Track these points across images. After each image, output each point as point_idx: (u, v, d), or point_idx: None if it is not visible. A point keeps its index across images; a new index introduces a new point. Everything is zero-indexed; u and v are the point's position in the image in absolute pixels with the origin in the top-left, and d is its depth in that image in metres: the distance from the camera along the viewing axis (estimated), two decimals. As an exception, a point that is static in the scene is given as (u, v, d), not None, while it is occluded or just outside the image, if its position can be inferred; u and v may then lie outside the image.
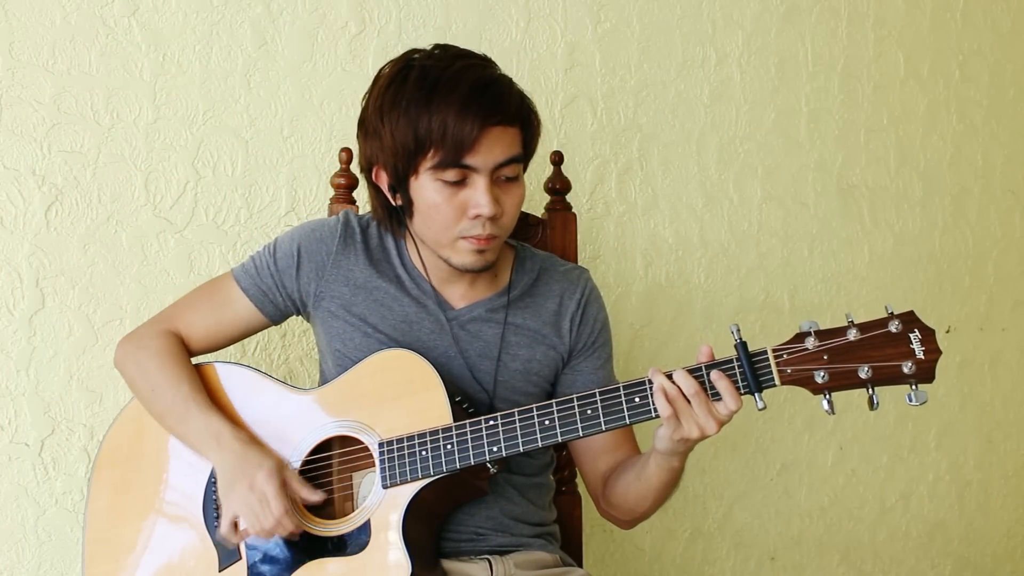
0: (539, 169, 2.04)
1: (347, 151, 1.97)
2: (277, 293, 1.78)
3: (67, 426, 2.02)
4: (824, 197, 2.74)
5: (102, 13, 2.02)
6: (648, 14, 2.51)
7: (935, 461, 2.95)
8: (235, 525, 1.64)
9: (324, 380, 1.82)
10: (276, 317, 1.81)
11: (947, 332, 2.92)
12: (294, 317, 1.87)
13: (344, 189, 1.99)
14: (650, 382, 1.52)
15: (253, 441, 1.68)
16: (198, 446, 1.69)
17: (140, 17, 2.05)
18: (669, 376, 1.51)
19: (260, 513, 1.60)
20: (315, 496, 1.64)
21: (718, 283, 2.61)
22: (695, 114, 2.57)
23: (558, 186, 2.07)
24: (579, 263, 2.04)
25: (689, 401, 1.49)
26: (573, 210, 2.08)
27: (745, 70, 2.62)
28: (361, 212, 1.85)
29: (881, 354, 1.45)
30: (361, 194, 1.95)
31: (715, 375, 1.49)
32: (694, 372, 1.51)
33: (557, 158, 2.08)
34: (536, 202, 2.09)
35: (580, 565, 1.94)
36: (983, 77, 2.97)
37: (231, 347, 2.08)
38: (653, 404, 1.52)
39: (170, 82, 2.07)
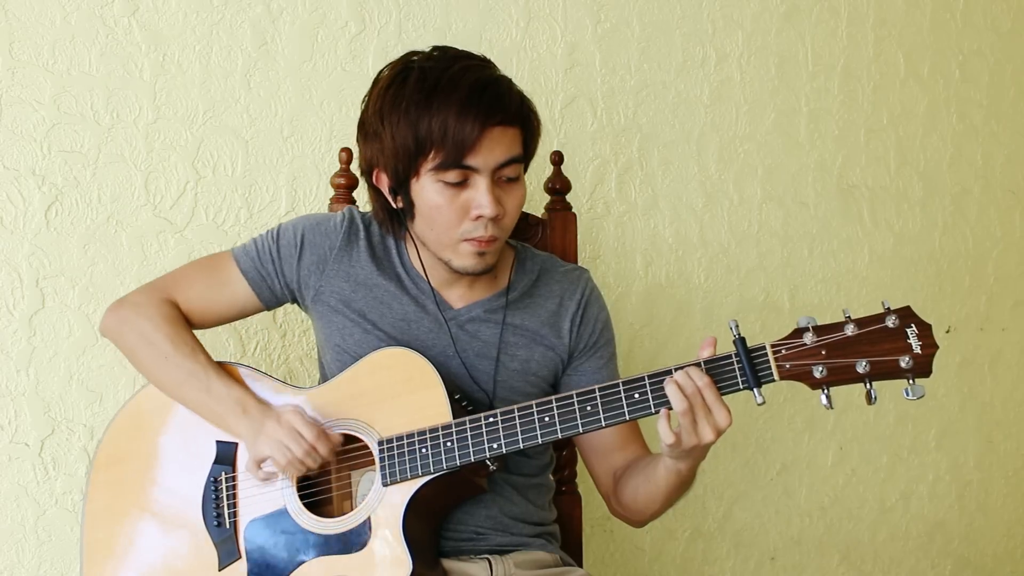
0: (539, 169, 2.04)
1: (347, 151, 1.97)
2: (276, 279, 1.77)
3: (67, 426, 2.02)
4: (824, 197, 2.74)
5: (102, 13, 2.02)
6: (648, 14, 2.51)
7: (935, 461, 2.95)
8: (259, 467, 1.65)
9: (324, 375, 1.82)
10: (271, 303, 1.81)
11: (947, 332, 2.92)
12: (294, 317, 1.87)
13: (344, 189, 1.99)
14: (654, 390, 1.53)
15: (272, 406, 1.69)
16: (221, 412, 1.69)
17: (140, 17, 2.05)
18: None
19: (291, 442, 1.60)
20: (333, 436, 1.64)
21: (718, 283, 2.61)
22: (695, 114, 2.57)
23: (558, 186, 2.07)
24: (579, 263, 2.04)
25: (704, 397, 1.50)
26: (573, 210, 2.08)
27: (745, 70, 2.62)
28: (362, 211, 1.85)
29: (878, 349, 1.46)
30: (361, 194, 1.95)
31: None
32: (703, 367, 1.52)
33: (557, 158, 2.08)
34: (536, 202, 2.09)
35: (580, 565, 1.94)
36: (983, 77, 2.97)
37: (231, 346, 2.09)
38: (652, 402, 1.52)
39: (170, 82, 2.07)
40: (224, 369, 1.74)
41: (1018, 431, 3.10)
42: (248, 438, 1.67)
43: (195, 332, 1.79)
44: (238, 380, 1.73)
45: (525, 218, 2.00)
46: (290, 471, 1.64)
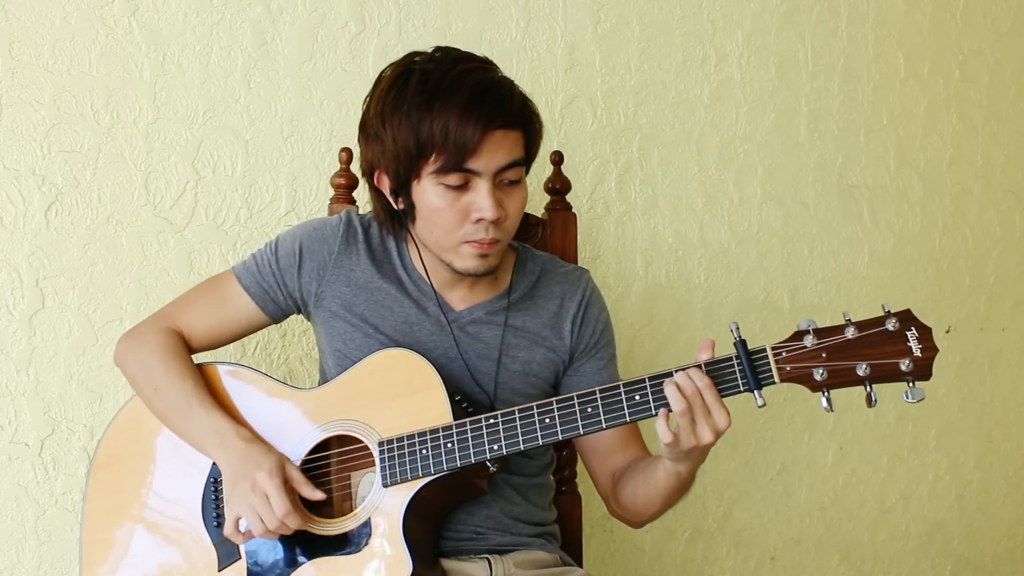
0: (539, 169, 2.03)
1: (347, 151, 1.97)
2: (278, 291, 1.78)
3: (67, 426, 2.02)
4: (824, 197, 2.74)
5: (102, 13, 2.02)
6: (648, 14, 2.51)
7: (935, 461, 2.95)
8: (237, 526, 1.63)
9: (324, 380, 1.82)
10: (277, 315, 1.81)
11: (947, 332, 2.92)
12: (294, 317, 1.87)
13: (344, 189, 1.99)
14: (654, 392, 1.52)
15: (256, 439, 1.67)
16: (201, 444, 1.69)
17: (140, 17, 2.05)
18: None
19: (263, 513, 1.59)
20: (316, 494, 1.63)
21: (718, 283, 2.61)
22: (695, 114, 2.57)
23: (558, 186, 2.08)
24: (579, 263, 2.04)
25: (703, 398, 1.50)
26: (573, 210, 2.08)
27: (745, 70, 2.62)
28: (362, 212, 1.85)
29: (879, 352, 1.46)
30: (361, 194, 1.95)
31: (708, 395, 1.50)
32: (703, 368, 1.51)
33: (557, 158, 2.08)
34: (536, 202, 2.09)
35: (580, 565, 1.94)
36: (983, 77, 2.97)
37: (231, 347, 2.09)
38: (652, 404, 1.52)
39: (170, 82, 2.07)
40: (209, 376, 1.75)
41: (1018, 431, 3.10)
42: (225, 477, 1.65)
43: (209, 352, 1.81)
44: (221, 406, 1.71)
45: (525, 218, 1.99)
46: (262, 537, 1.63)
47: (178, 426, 1.72)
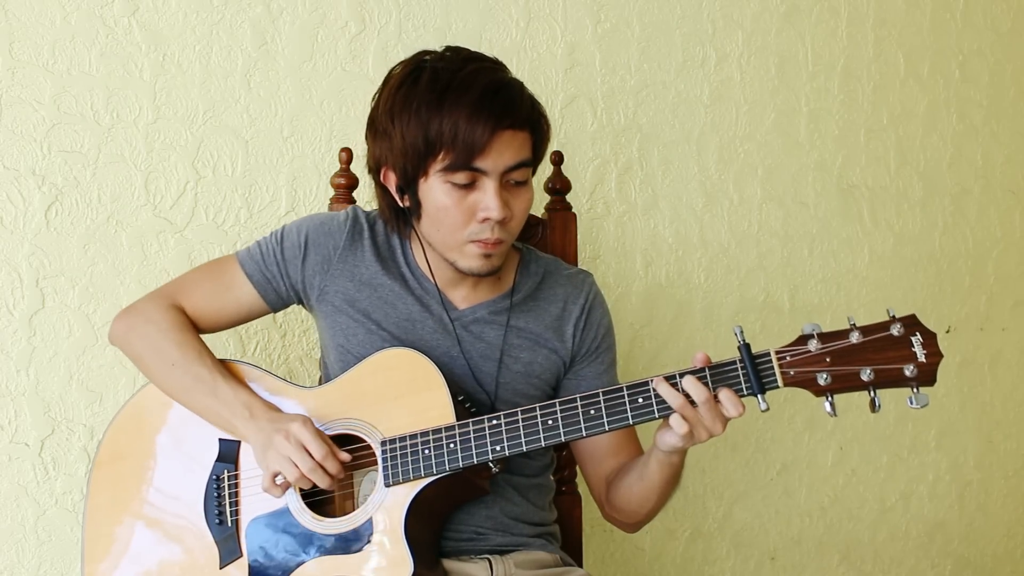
0: (539, 169, 2.03)
1: (347, 151, 1.97)
2: (281, 281, 1.77)
3: (67, 426, 2.02)
4: (824, 197, 2.74)
5: (102, 13, 2.02)
6: (648, 14, 2.51)
7: (935, 461, 2.96)
8: (274, 481, 1.63)
9: (326, 375, 1.82)
10: (277, 305, 1.81)
11: (947, 332, 2.93)
12: (294, 317, 1.87)
13: (344, 189, 1.99)
14: (657, 395, 1.52)
15: (281, 412, 1.67)
16: (228, 416, 1.68)
17: (140, 17, 2.05)
18: (673, 384, 1.51)
19: (299, 458, 1.59)
20: (341, 455, 1.62)
21: (718, 283, 2.61)
22: (695, 114, 2.57)
23: (558, 186, 2.07)
24: (579, 263, 2.04)
25: (697, 408, 1.50)
26: (573, 210, 2.08)
27: (745, 70, 2.62)
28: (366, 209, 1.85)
29: (883, 357, 1.45)
30: (361, 194, 1.96)
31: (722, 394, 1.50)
32: (700, 377, 1.50)
33: (557, 158, 2.08)
34: (536, 202, 2.08)
35: (580, 565, 1.94)
36: (983, 77, 2.97)
37: (231, 344, 2.09)
38: (656, 407, 1.52)
39: (170, 82, 2.07)
40: (229, 369, 1.74)
41: (1018, 431, 3.10)
42: (256, 444, 1.66)
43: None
44: (242, 381, 1.73)
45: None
46: (298, 485, 1.64)
47: (200, 401, 1.71)
